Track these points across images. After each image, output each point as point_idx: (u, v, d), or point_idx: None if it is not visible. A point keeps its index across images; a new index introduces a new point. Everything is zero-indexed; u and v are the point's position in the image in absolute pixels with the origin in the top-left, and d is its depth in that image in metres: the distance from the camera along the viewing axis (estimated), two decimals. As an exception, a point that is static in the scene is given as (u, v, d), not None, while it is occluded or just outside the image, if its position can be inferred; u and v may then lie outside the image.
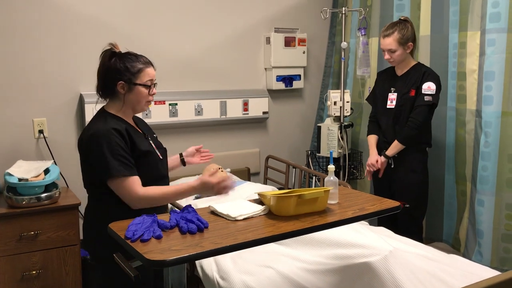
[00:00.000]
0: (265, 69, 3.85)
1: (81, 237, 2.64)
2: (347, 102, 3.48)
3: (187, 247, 1.53)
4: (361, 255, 2.09)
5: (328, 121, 3.56)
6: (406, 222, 3.00)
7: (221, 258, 2.23)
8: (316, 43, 4.04)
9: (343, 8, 3.50)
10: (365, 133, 3.27)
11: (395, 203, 1.97)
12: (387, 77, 3.10)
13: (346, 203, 1.99)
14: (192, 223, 1.68)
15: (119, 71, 1.96)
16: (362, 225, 2.47)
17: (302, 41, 3.85)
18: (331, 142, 3.50)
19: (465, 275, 2.10)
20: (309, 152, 3.79)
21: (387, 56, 2.96)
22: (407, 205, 2.89)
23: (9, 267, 2.58)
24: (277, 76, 3.80)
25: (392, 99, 3.00)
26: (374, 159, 3.03)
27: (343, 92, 3.48)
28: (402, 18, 2.98)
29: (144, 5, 3.30)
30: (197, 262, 2.32)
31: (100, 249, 1.99)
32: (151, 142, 2.10)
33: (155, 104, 3.28)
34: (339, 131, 3.46)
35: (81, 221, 2.82)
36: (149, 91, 2.02)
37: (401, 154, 2.97)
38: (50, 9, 3.01)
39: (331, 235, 2.23)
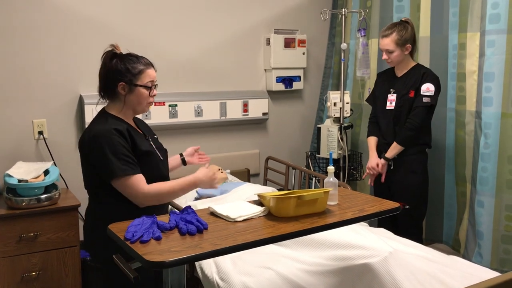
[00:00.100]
0: (265, 70, 3.85)
1: (81, 239, 2.63)
2: (347, 103, 3.48)
3: (187, 248, 1.53)
4: (361, 256, 2.09)
5: (328, 122, 3.56)
6: (406, 223, 3.00)
7: (221, 259, 2.23)
8: (316, 44, 4.04)
9: (343, 9, 3.50)
10: (365, 134, 3.27)
11: (395, 204, 1.97)
12: (386, 78, 3.11)
13: (346, 204, 1.99)
14: (192, 224, 1.68)
15: (120, 72, 1.96)
16: (362, 226, 2.47)
17: (302, 42, 3.85)
18: (331, 143, 3.50)
19: (465, 276, 2.10)
20: (309, 153, 3.79)
21: (384, 56, 2.96)
22: (407, 206, 2.89)
23: (9, 269, 2.58)
24: (277, 77, 3.81)
25: (391, 100, 3.00)
26: (374, 162, 3.03)
27: (343, 93, 3.48)
28: (403, 19, 2.98)
29: (144, 6, 3.30)
30: (196, 263, 2.32)
31: (100, 251, 1.99)
32: (151, 143, 2.11)
33: (155, 105, 3.28)
34: (339, 132, 3.46)
35: (80, 222, 2.83)
36: (149, 92, 2.02)
37: (401, 155, 2.97)
38: (50, 10, 3.01)
39: (331, 236, 2.23)
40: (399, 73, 3.02)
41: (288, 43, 3.79)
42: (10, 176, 2.65)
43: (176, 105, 3.42)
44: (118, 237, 1.62)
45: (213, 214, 1.86)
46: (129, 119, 2.07)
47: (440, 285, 2.04)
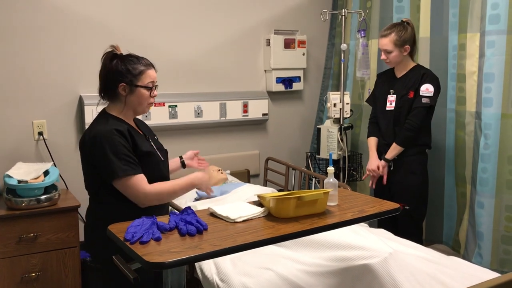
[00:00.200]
0: (265, 71, 3.85)
1: (81, 239, 2.63)
2: (347, 104, 3.48)
3: (186, 249, 1.53)
4: (361, 257, 2.09)
5: (327, 123, 3.56)
6: (406, 224, 2.99)
7: (221, 260, 2.23)
8: (316, 45, 4.04)
9: (343, 10, 3.50)
10: (365, 135, 3.27)
11: (395, 205, 1.97)
12: (386, 79, 3.11)
13: (346, 205, 1.99)
14: (192, 225, 1.68)
15: (120, 73, 1.97)
16: (362, 227, 2.46)
17: (301, 43, 3.85)
18: (331, 144, 3.50)
19: (465, 277, 2.09)
20: (309, 154, 3.79)
21: (383, 57, 2.97)
22: (407, 207, 2.89)
23: (9, 269, 2.58)
24: (276, 78, 3.81)
25: (391, 101, 3.00)
26: (374, 165, 3.02)
27: (343, 94, 3.48)
28: (403, 20, 2.98)
29: (144, 7, 3.30)
30: (196, 264, 2.32)
31: (100, 251, 1.99)
32: (152, 143, 2.11)
33: (154, 106, 3.27)
34: (339, 133, 3.46)
35: (80, 223, 2.83)
36: (150, 93, 2.02)
37: (401, 156, 2.97)
38: (50, 10, 3.01)
39: (331, 237, 2.22)
40: (399, 73, 3.02)
41: (288, 44, 3.79)
42: (10, 176, 2.65)
43: (176, 106, 3.42)
44: (117, 238, 1.62)
45: (213, 214, 1.86)
46: (129, 120, 2.07)
47: (440, 285, 2.04)
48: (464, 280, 2.06)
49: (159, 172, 2.06)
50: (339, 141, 3.46)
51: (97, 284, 2.83)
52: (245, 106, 3.71)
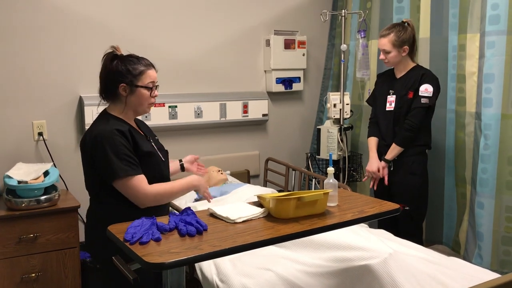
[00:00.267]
0: (265, 71, 3.85)
1: (81, 240, 2.63)
2: (347, 104, 3.48)
3: (186, 249, 1.53)
4: (361, 258, 2.09)
5: (327, 123, 3.56)
6: (406, 225, 2.99)
7: (221, 260, 2.23)
8: (316, 46, 4.04)
9: (343, 11, 3.50)
10: (365, 135, 3.27)
11: (395, 206, 1.97)
12: (386, 79, 3.11)
13: (346, 205, 1.99)
14: (191, 226, 1.67)
15: (120, 74, 1.97)
16: (362, 228, 2.46)
17: (301, 44, 3.85)
18: (331, 145, 3.50)
19: (465, 278, 2.09)
20: (309, 154, 3.79)
21: (381, 56, 2.97)
22: (407, 208, 2.89)
23: (8, 270, 2.58)
24: (276, 78, 3.81)
25: (391, 102, 3.00)
26: (375, 167, 3.02)
27: (343, 94, 3.48)
28: (404, 20, 2.98)
29: (144, 7, 3.30)
30: (196, 264, 2.32)
31: (101, 251, 1.99)
32: (153, 144, 2.12)
33: (154, 106, 3.26)
34: (339, 134, 3.46)
35: (80, 224, 2.83)
36: (150, 93, 2.02)
37: (401, 156, 2.96)
38: (50, 11, 3.01)
39: (331, 237, 2.22)
40: (399, 74, 3.02)
41: (288, 44, 3.79)
42: (9, 177, 2.65)
43: (176, 106, 3.42)
44: (117, 238, 1.62)
45: (213, 215, 1.86)
46: (130, 120, 2.08)
47: (440, 286, 2.03)
48: (464, 280, 2.06)
49: (159, 173, 2.07)
50: (339, 142, 3.46)
51: (97, 284, 2.83)
52: (245, 106, 3.71)
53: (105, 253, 1.88)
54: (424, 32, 3.25)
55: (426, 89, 2.86)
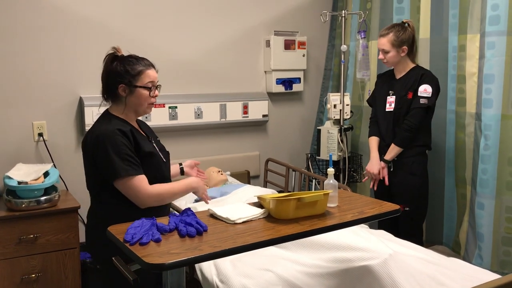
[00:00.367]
0: (265, 72, 3.85)
1: (81, 240, 2.63)
2: (347, 105, 3.48)
3: (186, 250, 1.52)
4: (361, 258, 2.09)
5: (328, 124, 3.56)
6: (406, 225, 2.99)
7: (221, 261, 2.23)
8: (316, 46, 4.04)
9: (343, 11, 3.50)
10: (365, 136, 3.27)
11: (395, 207, 1.97)
12: (386, 80, 3.11)
13: (346, 206, 1.99)
14: (191, 226, 1.67)
15: (119, 74, 1.98)
16: (362, 228, 2.46)
17: (302, 44, 3.85)
18: (331, 145, 3.49)
19: (465, 278, 2.09)
20: (309, 155, 3.79)
21: (380, 56, 2.97)
22: (407, 208, 2.89)
23: (8, 271, 2.58)
24: (277, 79, 3.81)
25: (390, 102, 3.00)
26: (376, 168, 3.02)
27: (343, 95, 3.47)
28: (404, 21, 2.98)
29: (144, 8, 3.30)
30: (196, 265, 2.32)
31: (101, 251, 1.99)
32: (154, 145, 2.12)
33: (154, 107, 3.27)
34: (339, 134, 3.46)
35: (80, 224, 2.83)
36: (150, 93, 2.02)
37: (401, 157, 2.96)
38: (50, 11, 3.01)
39: (331, 238, 2.22)
40: (398, 74, 3.02)
41: (288, 45, 3.79)
42: (10, 178, 2.65)
43: (176, 107, 3.42)
44: (117, 239, 1.62)
45: (213, 216, 1.86)
46: (132, 121, 2.08)
47: (440, 287, 2.03)
48: (464, 281, 2.06)
49: (160, 173, 2.07)
50: (339, 142, 3.46)
51: (97, 285, 2.83)
52: (245, 107, 3.71)
53: (105, 253, 1.87)
54: (424, 32, 3.25)
55: (425, 90, 2.86)
